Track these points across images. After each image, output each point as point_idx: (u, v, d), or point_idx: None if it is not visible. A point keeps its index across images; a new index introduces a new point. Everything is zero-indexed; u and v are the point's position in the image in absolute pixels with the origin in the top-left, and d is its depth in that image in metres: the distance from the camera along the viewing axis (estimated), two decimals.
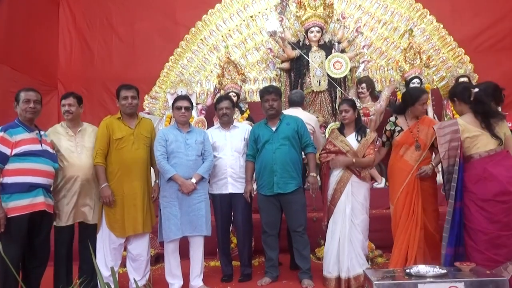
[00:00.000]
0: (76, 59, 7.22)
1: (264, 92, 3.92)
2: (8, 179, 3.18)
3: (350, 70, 6.25)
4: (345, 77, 6.28)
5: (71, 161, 3.53)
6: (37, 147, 3.30)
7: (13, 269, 2.75)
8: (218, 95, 6.30)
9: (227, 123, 4.05)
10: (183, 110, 3.77)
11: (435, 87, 6.72)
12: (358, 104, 5.81)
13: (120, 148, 3.61)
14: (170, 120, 6.24)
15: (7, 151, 3.19)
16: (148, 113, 6.52)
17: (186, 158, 3.66)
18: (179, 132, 3.76)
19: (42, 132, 3.44)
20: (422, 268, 2.76)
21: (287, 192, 3.74)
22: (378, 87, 6.71)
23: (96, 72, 7.14)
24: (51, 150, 3.41)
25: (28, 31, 6.29)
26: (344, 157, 3.74)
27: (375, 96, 6.29)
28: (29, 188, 3.19)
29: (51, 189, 3.43)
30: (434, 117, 6.04)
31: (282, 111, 4.02)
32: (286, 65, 6.53)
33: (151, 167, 3.83)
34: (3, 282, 3.07)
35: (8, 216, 3.11)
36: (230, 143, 4.00)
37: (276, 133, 3.81)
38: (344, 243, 3.64)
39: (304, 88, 6.20)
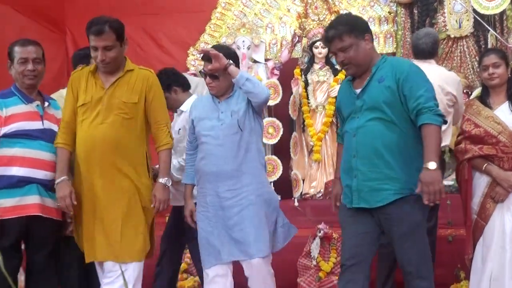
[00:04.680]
0: None
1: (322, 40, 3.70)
2: None
3: None
4: (502, 13, 6.10)
5: None
6: (34, 125, 3.43)
7: None
8: (299, 46, 6.22)
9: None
10: (208, 79, 3.61)
11: None
12: None
13: (81, 121, 3.46)
14: None
15: None
16: (195, 75, 6.58)
17: (215, 142, 3.58)
18: (212, 102, 3.69)
19: (47, 103, 3.57)
20: None
21: (383, 205, 3.21)
22: None
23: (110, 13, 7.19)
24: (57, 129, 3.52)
25: None
26: (505, 175, 3.61)
27: None
28: (17, 183, 3.33)
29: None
30: None
31: (384, 56, 3.50)
32: None
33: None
34: None
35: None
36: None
37: (360, 99, 3.29)
38: (503, 280, 3.58)
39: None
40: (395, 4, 6.60)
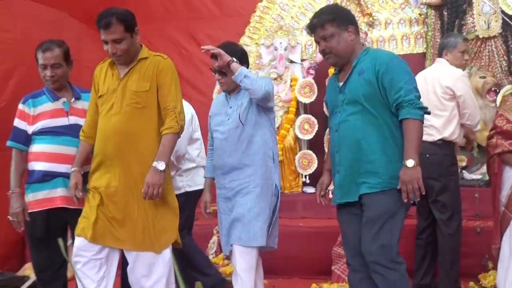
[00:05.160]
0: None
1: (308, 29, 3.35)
2: (29, 165, 3.47)
3: None
4: None
5: None
6: (59, 121, 3.47)
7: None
8: None
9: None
10: (217, 76, 3.62)
11: None
12: None
13: (100, 113, 3.39)
14: None
15: (26, 127, 3.45)
16: None
17: (222, 137, 3.58)
18: (224, 98, 3.72)
19: (74, 98, 3.56)
20: None
21: (362, 196, 3.10)
22: None
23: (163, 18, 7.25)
24: None
25: None
26: None
27: None
28: (43, 178, 3.41)
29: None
30: None
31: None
32: None
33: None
34: None
35: (29, 211, 3.39)
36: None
37: (342, 93, 3.17)
38: None
39: (464, 33, 6.02)
40: (425, 6, 6.58)
